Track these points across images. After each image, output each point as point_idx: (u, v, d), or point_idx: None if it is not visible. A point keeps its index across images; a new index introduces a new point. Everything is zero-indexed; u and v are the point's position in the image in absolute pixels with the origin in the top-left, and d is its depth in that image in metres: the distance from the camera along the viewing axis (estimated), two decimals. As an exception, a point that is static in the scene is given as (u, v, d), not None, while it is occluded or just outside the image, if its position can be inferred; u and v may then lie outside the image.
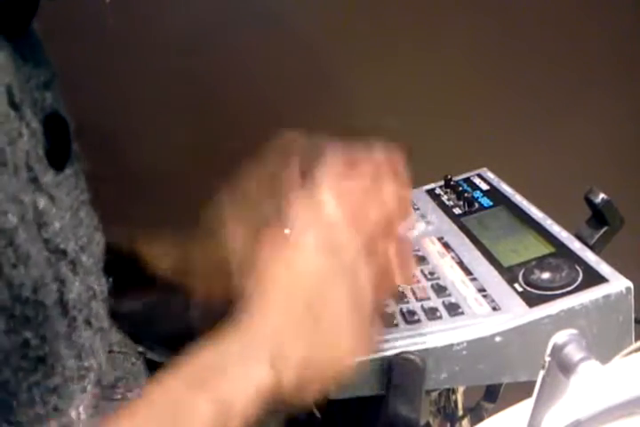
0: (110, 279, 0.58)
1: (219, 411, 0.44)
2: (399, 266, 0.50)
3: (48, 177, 0.49)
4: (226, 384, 0.45)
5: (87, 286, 0.53)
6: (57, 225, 0.49)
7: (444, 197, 0.77)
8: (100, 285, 0.56)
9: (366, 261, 0.48)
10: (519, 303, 0.56)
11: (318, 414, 0.70)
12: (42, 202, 0.47)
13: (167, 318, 0.79)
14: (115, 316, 0.60)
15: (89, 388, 0.51)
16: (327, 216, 0.49)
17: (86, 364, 0.51)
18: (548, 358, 0.38)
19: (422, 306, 0.58)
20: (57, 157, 0.51)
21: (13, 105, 0.46)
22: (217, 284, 0.66)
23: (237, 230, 0.64)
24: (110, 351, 0.58)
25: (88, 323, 0.53)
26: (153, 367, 0.64)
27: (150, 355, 0.66)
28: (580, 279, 0.56)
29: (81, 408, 0.49)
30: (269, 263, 0.49)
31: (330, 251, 0.48)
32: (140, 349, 0.65)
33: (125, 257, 0.72)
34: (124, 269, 0.68)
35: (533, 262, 0.59)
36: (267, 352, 0.46)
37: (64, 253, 0.50)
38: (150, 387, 0.46)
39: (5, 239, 0.43)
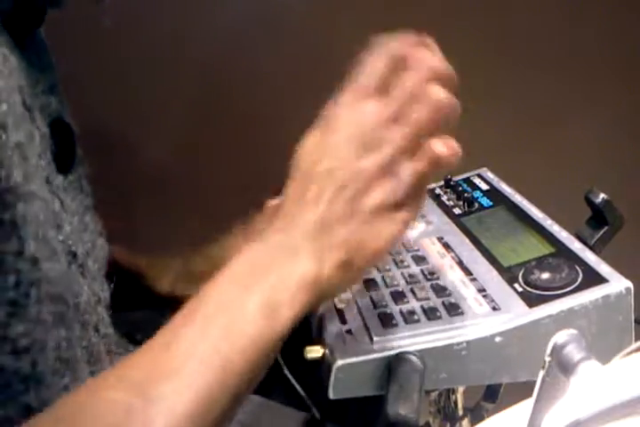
0: (112, 286, 0.58)
1: (265, 306, 0.43)
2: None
3: (57, 181, 0.50)
4: (271, 279, 0.45)
5: (93, 292, 0.53)
6: (68, 228, 0.49)
7: (444, 197, 0.77)
8: (104, 291, 0.56)
9: (406, 157, 0.47)
10: (519, 303, 0.56)
11: (318, 415, 0.70)
12: (56, 204, 0.47)
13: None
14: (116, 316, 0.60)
15: None
16: (365, 113, 0.48)
17: (94, 369, 0.51)
18: (547, 358, 0.38)
19: (422, 306, 0.58)
20: (63, 161, 0.51)
21: (26, 107, 0.46)
22: None
23: None
24: (109, 352, 0.58)
25: (96, 329, 0.53)
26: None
27: None
28: (579, 279, 0.56)
29: None
30: (305, 151, 0.49)
31: (367, 141, 0.47)
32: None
33: (125, 271, 0.72)
34: (123, 282, 0.69)
35: (533, 262, 0.59)
36: (308, 242, 0.46)
37: (74, 256, 0.50)
38: (204, 286, 0.45)
39: (38, 232, 0.43)
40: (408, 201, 0.47)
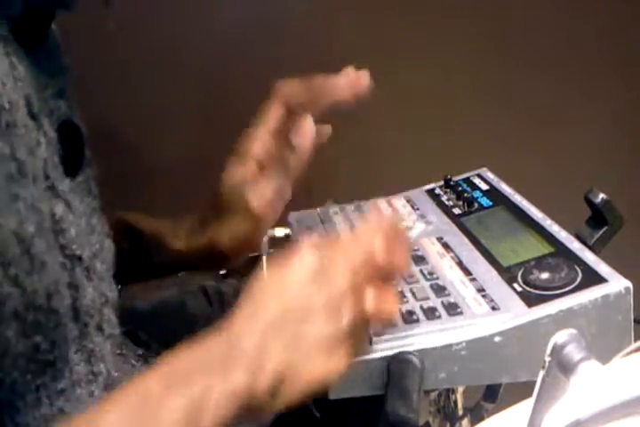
0: (119, 286, 0.59)
1: (190, 409, 0.44)
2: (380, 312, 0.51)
3: (64, 184, 0.50)
4: (201, 383, 0.45)
5: (100, 293, 0.54)
6: (73, 231, 0.50)
7: (444, 197, 0.77)
8: (112, 291, 0.56)
9: (352, 300, 0.49)
10: (518, 303, 0.56)
11: (318, 415, 0.70)
12: (59, 208, 0.48)
13: (180, 319, 0.80)
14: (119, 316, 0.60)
15: (97, 392, 0.51)
16: (325, 255, 0.51)
17: (95, 369, 0.52)
18: (547, 358, 0.38)
19: (421, 306, 0.58)
20: (71, 164, 0.52)
21: (32, 115, 0.46)
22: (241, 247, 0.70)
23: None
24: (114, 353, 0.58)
25: (99, 329, 0.53)
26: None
27: (150, 357, 0.66)
28: (579, 279, 0.56)
29: None
30: (265, 279, 0.51)
31: (322, 278, 0.50)
32: (140, 351, 0.65)
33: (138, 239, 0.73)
34: (136, 262, 0.70)
35: (533, 262, 0.59)
36: (246, 358, 0.47)
37: (79, 259, 0.51)
38: (126, 384, 0.46)
39: (22, 248, 0.43)
40: (348, 341, 0.49)
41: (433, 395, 0.71)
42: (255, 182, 0.68)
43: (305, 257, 0.51)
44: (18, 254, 0.43)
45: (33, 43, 0.50)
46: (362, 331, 0.51)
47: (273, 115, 0.68)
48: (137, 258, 0.71)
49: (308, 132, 0.67)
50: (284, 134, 0.68)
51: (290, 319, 0.49)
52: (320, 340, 0.48)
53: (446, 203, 0.75)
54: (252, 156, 0.69)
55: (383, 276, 0.51)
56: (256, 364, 0.47)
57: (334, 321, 0.49)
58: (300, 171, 0.69)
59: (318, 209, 0.77)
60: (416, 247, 0.67)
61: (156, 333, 0.72)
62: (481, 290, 0.59)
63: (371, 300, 0.49)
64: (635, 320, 0.55)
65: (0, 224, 0.41)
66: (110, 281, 0.57)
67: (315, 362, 0.48)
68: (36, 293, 0.44)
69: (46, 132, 0.48)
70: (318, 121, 0.69)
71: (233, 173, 0.69)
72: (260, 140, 0.68)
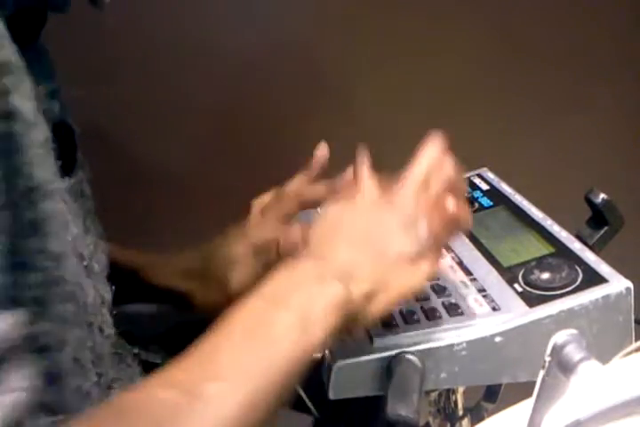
0: (113, 288, 0.58)
1: (299, 321, 0.47)
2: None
3: (60, 184, 0.50)
4: (303, 299, 0.48)
5: (98, 293, 0.54)
6: (75, 230, 0.49)
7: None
8: (107, 292, 0.56)
9: (425, 217, 0.53)
10: (519, 303, 0.56)
11: (318, 415, 0.70)
12: (62, 206, 0.48)
13: (167, 319, 0.79)
14: (116, 316, 0.60)
15: (94, 393, 0.51)
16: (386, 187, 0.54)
17: (98, 370, 0.52)
18: (547, 358, 0.38)
19: (422, 306, 0.58)
20: (64, 164, 0.52)
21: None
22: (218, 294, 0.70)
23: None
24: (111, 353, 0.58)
25: (100, 329, 0.53)
26: (149, 369, 0.64)
27: (146, 356, 0.66)
28: (579, 280, 0.56)
29: None
30: (330, 208, 0.55)
31: (391, 201, 0.53)
32: (136, 350, 0.65)
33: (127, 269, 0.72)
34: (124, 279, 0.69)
35: (533, 263, 0.59)
36: (339, 272, 0.50)
37: (81, 256, 0.51)
38: (231, 308, 0.47)
39: (53, 227, 0.43)
40: (427, 255, 0.53)
41: (433, 395, 0.71)
42: (244, 265, 0.70)
43: (369, 185, 0.54)
44: (51, 231, 0.43)
45: (25, 42, 0.50)
46: (439, 242, 0.54)
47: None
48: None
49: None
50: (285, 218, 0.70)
51: (369, 241, 0.52)
52: (401, 256, 0.52)
53: (446, 203, 0.75)
54: (249, 238, 0.70)
55: (449, 190, 0.54)
56: (349, 274, 0.50)
57: (411, 238, 0.52)
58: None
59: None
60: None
61: (153, 333, 0.72)
62: (481, 290, 0.59)
63: (451, 204, 0.53)
64: (635, 320, 0.56)
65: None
66: (105, 282, 0.57)
67: (399, 275, 0.51)
68: (66, 279, 0.44)
69: (43, 131, 0.48)
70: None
71: (231, 245, 0.71)
72: (262, 226, 0.70)
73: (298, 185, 0.71)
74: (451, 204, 0.53)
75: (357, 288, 0.50)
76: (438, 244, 0.54)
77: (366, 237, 0.52)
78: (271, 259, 0.68)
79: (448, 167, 0.54)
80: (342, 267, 0.50)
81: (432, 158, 0.55)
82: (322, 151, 0.71)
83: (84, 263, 0.51)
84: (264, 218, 0.70)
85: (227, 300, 0.69)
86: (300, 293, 0.49)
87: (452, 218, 0.53)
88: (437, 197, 0.53)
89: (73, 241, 0.49)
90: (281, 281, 0.50)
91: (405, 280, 0.52)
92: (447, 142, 0.55)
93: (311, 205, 0.70)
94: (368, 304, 0.50)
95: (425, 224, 0.52)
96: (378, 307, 0.51)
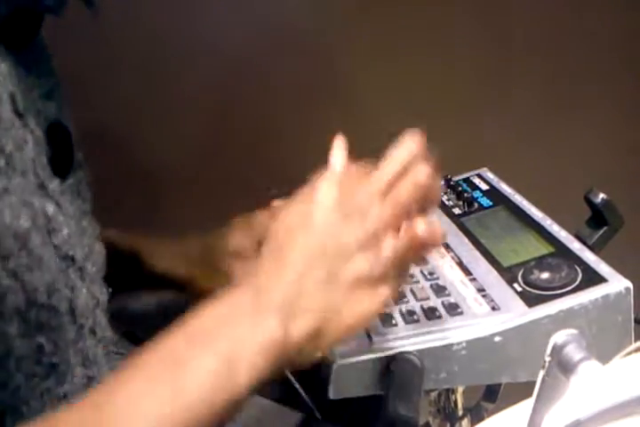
0: (110, 290, 0.58)
1: (221, 366, 0.42)
2: (422, 243, 0.48)
3: (53, 184, 0.50)
4: (230, 339, 0.43)
5: (92, 295, 0.53)
6: (65, 232, 0.49)
7: (444, 197, 0.77)
8: (102, 294, 0.56)
9: (389, 232, 0.47)
10: (518, 303, 0.56)
11: (318, 415, 0.70)
12: (50, 208, 0.48)
13: (169, 317, 0.79)
14: (115, 315, 0.60)
15: (80, 395, 0.51)
16: (352, 180, 0.48)
17: (90, 373, 0.51)
18: (547, 358, 0.38)
19: (421, 306, 0.58)
20: (60, 165, 0.51)
21: (17, 113, 0.46)
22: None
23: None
24: (107, 354, 0.58)
25: (92, 332, 0.53)
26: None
27: None
28: (579, 279, 0.56)
29: None
30: (286, 218, 0.48)
31: (351, 212, 0.46)
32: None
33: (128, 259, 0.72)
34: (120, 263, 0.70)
35: (533, 262, 0.59)
36: (279, 304, 0.44)
37: (72, 259, 0.50)
38: (149, 346, 0.43)
39: (19, 243, 0.43)
40: (388, 278, 0.47)
41: (433, 395, 0.71)
42: (248, 257, 0.69)
43: (328, 189, 0.47)
44: (15, 249, 0.42)
45: (20, 44, 0.50)
46: (404, 264, 0.48)
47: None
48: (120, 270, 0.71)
49: None
50: None
51: (323, 258, 0.45)
52: (358, 278, 0.45)
53: (446, 203, 0.75)
54: (256, 231, 0.69)
55: (419, 206, 0.48)
56: (291, 310, 0.44)
57: (372, 257, 0.46)
58: None
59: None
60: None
61: (155, 333, 0.72)
62: (481, 290, 0.59)
63: (422, 226, 0.46)
64: (635, 320, 0.56)
65: None
66: (101, 284, 0.56)
67: (354, 301, 0.46)
68: (37, 289, 0.44)
69: (33, 131, 0.48)
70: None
71: (237, 237, 0.70)
72: (270, 220, 0.68)
73: None
74: (420, 226, 0.47)
75: (298, 326, 0.44)
76: (402, 266, 0.48)
77: (320, 254, 0.45)
78: None
79: (420, 173, 0.48)
80: (286, 296, 0.44)
81: (401, 162, 0.48)
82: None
83: (77, 266, 0.51)
84: (274, 213, 0.70)
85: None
86: (228, 330, 0.43)
87: (420, 240, 0.47)
88: (405, 210, 0.47)
89: (61, 245, 0.48)
90: (210, 314, 0.44)
91: (360, 307, 0.46)
92: (424, 143, 0.49)
93: None
94: (310, 343, 0.45)
95: (389, 243, 0.46)
96: (324, 343, 0.46)
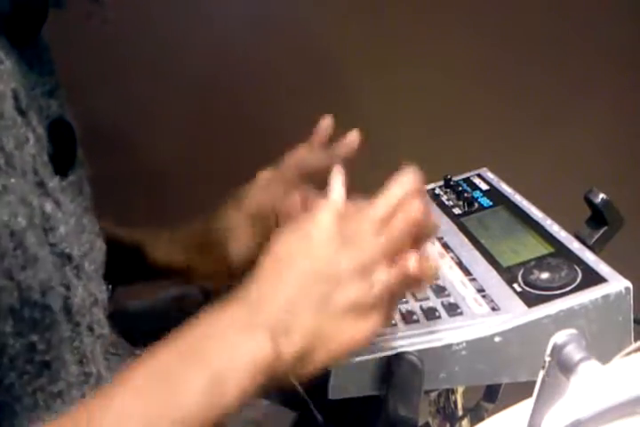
0: (110, 287, 0.58)
1: (211, 382, 0.42)
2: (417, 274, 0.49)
3: (53, 182, 0.50)
4: (221, 355, 0.44)
5: (89, 293, 0.53)
6: (62, 230, 0.49)
7: (444, 197, 0.77)
8: (101, 291, 0.56)
9: (383, 264, 0.48)
10: (518, 303, 0.56)
11: (318, 415, 0.70)
12: (48, 206, 0.48)
13: (181, 316, 0.80)
14: (115, 315, 0.60)
15: (76, 393, 0.51)
16: (351, 211, 0.49)
17: (87, 370, 0.51)
18: (547, 358, 0.38)
19: (421, 306, 0.58)
20: (61, 162, 0.52)
21: (19, 110, 0.46)
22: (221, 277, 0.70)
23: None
24: (105, 353, 0.58)
25: (90, 329, 0.53)
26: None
27: None
28: (579, 279, 0.56)
29: None
30: (285, 241, 0.49)
31: (348, 242, 0.48)
32: (137, 351, 0.65)
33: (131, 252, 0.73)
34: (132, 264, 0.70)
35: (533, 262, 0.59)
36: (272, 322, 0.45)
37: (69, 257, 0.50)
38: (140, 360, 0.44)
39: (15, 241, 0.43)
40: (379, 307, 0.48)
41: (433, 395, 0.71)
42: (243, 235, 0.70)
43: (328, 218, 0.48)
44: (10, 247, 0.42)
45: (24, 41, 0.50)
46: (394, 296, 0.49)
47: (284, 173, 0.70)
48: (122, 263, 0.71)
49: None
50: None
51: (319, 282, 0.46)
52: (350, 305, 0.47)
53: (446, 203, 0.75)
54: (248, 208, 0.70)
55: (415, 239, 0.49)
56: (283, 328, 0.45)
57: (365, 285, 0.47)
58: None
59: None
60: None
61: (153, 333, 0.72)
62: (481, 290, 0.59)
63: (413, 262, 0.47)
64: (635, 320, 0.55)
65: None
66: (100, 281, 0.57)
67: (344, 327, 0.47)
68: (31, 288, 0.44)
69: (35, 129, 0.48)
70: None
71: (229, 215, 0.71)
72: (260, 196, 0.69)
73: (299, 155, 0.70)
74: (412, 262, 0.47)
75: (289, 346, 0.45)
76: (393, 297, 0.49)
77: (315, 279, 0.47)
78: (270, 228, 0.67)
79: (414, 209, 0.49)
80: (279, 315, 0.45)
81: (397, 197, 0.49)
82: (325, 122, 0.69)
83: (74, 264, 0.51)
84: (263, 188, 0.70)
85: (227, 270, 0.70)
86: (219, 346, 0.44)
87: (411, 275, 0.48)
88: (399, 243, 0.48)
89: (58, 243, 0.49)
90: (202, 329, 0.45)
91: (349, 333, 0.47)
92: (419, 179, 0.50)
93: (312, 174, 0.69)
94: (300, 363, 0.46)
95: (382, 274, 0.47)
96: (312, 365, 0.46)
